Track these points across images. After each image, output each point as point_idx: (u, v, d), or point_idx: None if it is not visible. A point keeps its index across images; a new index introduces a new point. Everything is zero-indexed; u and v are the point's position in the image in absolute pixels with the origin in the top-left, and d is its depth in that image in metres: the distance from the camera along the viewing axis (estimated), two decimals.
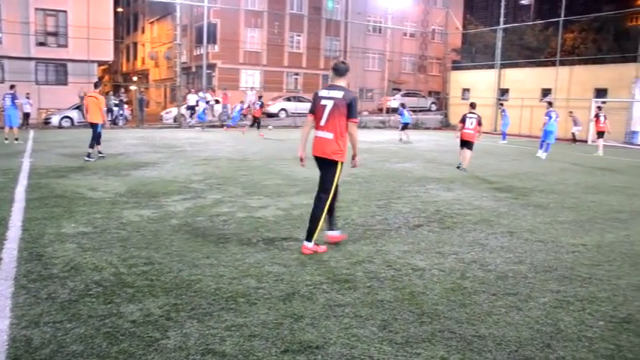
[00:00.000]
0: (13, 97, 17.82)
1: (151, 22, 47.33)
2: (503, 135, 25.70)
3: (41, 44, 29.54)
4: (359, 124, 5.42)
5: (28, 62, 28.93)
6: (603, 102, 26.00)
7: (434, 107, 39.76)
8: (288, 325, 3.63)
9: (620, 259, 5.59)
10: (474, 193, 9.60)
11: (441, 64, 43.21)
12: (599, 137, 20.54)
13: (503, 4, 34.62)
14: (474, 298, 4.28)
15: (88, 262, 4.86)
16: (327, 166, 5.38)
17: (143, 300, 3.99)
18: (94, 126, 13.00)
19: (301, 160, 5.58)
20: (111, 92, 30.49)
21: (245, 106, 27.01)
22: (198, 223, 6.55)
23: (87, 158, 12.47)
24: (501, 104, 29.46)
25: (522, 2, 44.70)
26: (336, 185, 5.45)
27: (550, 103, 18.80)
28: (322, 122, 5.31)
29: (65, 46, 29.89)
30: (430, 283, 4.60)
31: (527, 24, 38.84)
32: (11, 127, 17.42)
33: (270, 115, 31.57)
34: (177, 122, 29.22)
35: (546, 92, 30.65)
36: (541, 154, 17.17)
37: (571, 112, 26.05)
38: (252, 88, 34.93)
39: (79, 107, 26.55)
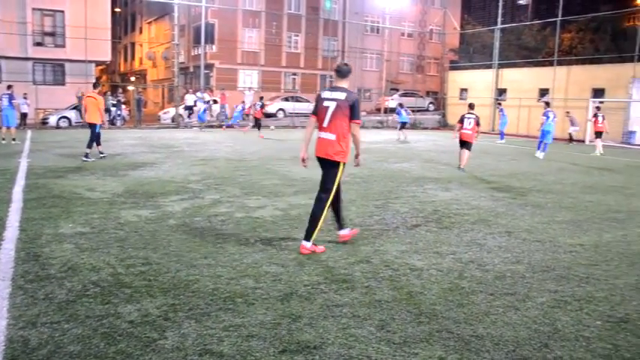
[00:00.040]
0: (11, 98, 17.78)
1: (149, 23, 47.28)
2: (502, 135, 25.75)
3: (38, 44, 29.46)
4: (360, 125, 5.45)
5: (25, 62, 28.85)
6: (601, 102, 26.06)
7: (432, 107, 39.77)
8: (286, 326, 3.63)
9: (618, 258, 5.60)
10: (472, 193, 9.60)
11: (439, 64, 43.23)
12: (596, 137, 20.59)
13: (500, 4, 34.65)
14: (471, 298, 4.29)
15: (85, 262, 4.86)
16: (329, 167, 5.41)
17: (141, 300, 3.99)
18: (92, 126, 12.99)
19: (303, 160, 5.60)
20: (108, 92, 30.41)
21: (247, 106, 26.97)
22: (196, 224, 6.55)
23: (84, 158, 12.44)
24: (499, 104, 29.51)
25: (520, 2, 44.75)
26: (338, 185, 5.47)
27: (547, 104, 18.83)
28: (325, 123, 5.35)
29: (63, 46, 29.82)
30: (428, 283, 4.61)
31: (524, 24, 38.89)
32: (8, 127, 17.38)
33: (268, 116, 31.56)
34: (175, 122, 29.19)
35: (544, 92, 30.69)
36: (539, 154, 17.19)
37: (568, 112, 26.10)
38: (250, 89, 34.92)
39: (76, 107, 26.50)
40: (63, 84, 29.70)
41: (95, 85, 14.35)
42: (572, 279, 4.85)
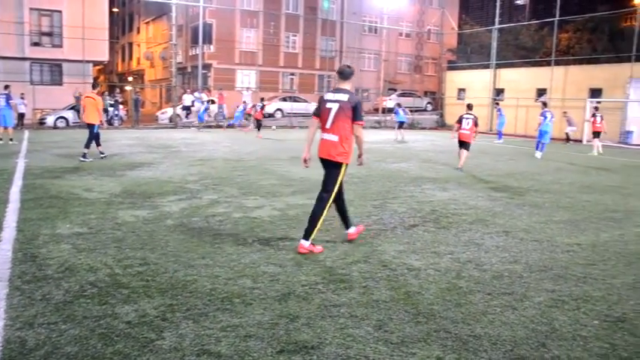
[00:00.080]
0: (8, 98, 17.76)
1: (147, 23, 47.23)
2: (500, 134, 25.81)
3: (36, 44, 29.39)
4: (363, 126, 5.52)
5: (22, 62, 28.78)
6: (598, 102, 26.10)
7: (429, 107, 39.80)
8: (283, 326, 3.63)
9: (615, 258, 5.61)
10: (470, 192, 9.61)
11: (437, 64, 43.25)
12: (594, 137, 20.63)
13: (498, 4, 34.70)
14: (469, 297, 4.29)
15: (82, 262, 4.85)
16: (331, 168, 5.47)
17: (138, 301, 3.99)
18: (90, 126, 12.98)
19: (305, 161, 5.65)
20: (106, 92, 30.41)
21: (249, 106, 26.91)
22: (193, 224, 6.54)
23: (82, 158, 12.43)
24: (497, 104, 29.53)
25: (517, 2, 44.87)
26: (340, 186, 5.53)
27: (545, 104, 18.87)
28: (328, 125, 5.40)
29: (60, 46, 29.76)
30: (426, 282, 4.61)
31: (522, 24, 38.94)
32: (6, 128, 17.34)
33: (266, 116, 31.55)
34: (173, 122, 29.16)
35: (541, 92, 30.73)
36: (538, 154, 17.25)
37: (565, 112, 26.16)
38: (247, 89, 34.89)
39: (74, 107, 26.47)
40: (60, 84, 29.63)
41: (94, 86, 14.33)
42: (569, 278, 4.86)
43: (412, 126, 32.85)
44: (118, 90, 33.34)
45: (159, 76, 44.06)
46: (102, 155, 13.11)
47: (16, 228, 6.04)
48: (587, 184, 11.32)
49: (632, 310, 4.15)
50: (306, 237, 5.39)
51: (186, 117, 29.98)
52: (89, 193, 8.46)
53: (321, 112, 5.49)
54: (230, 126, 27.45)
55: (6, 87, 18.40)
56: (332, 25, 40.03)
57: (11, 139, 16.97)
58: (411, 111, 32.76)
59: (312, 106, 34.41)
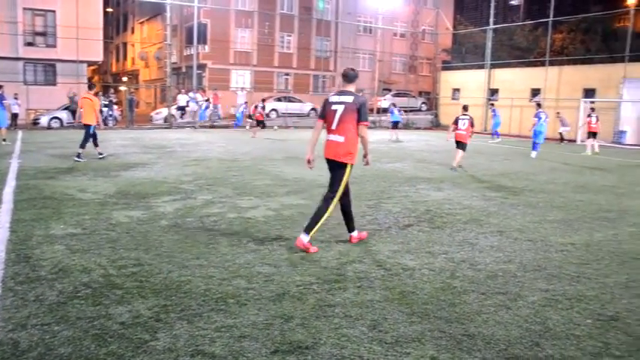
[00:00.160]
0: (1, 98, 17.66)
1: (141, 23, 47.10)
2: (497, 134, 26.05)
3: (29, 44, 29.28)
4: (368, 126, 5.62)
5: (16, 62, 28.65)
6: (592, 102, 26.22)
7: (424, 107, 39.87)
8: (278, 326, 3.63)
9: (608, 257, 5.64)
10: (464, 192, 9.64)
11: (432, 64, 43.32)
12: (589, 137, 20.75)
13: (493, 4, 34.78)
14: (463, 297, 4.30)
15: (76, 263, 4.83)
16: (337, 168, 5.56)
17: (132, 301, 3.97)
18: (87, 127, 12.98)
19: (309, 162, 5.74)
20: (100, 93, 30.28)
21: (252, 107, 26.82)
22: (188, 224, 6.53)
23: (77, 158, 12.40)
24: (492, 104, 29.61)
25: (512, 3, 44.93)
26: (346, 186, 5.61)
27: (539, 104, 18.97)
28: (333, 126, 5.52)
29: (54, 46, 29.64)
30: (420, 282, 4.62)
31: (516, 24, 39.04)
32: None
33: (250, 116, 31.53)
34: (168, 123, 29.09)
35: (536, 92, 30.84)
36: (533, 153, 17.36)
37: (558, 112, 26.28)
38: (242, 89, 34.85)
39: (68, 108, 26.35)
40: (54, 84, 29.52)
41: (91, 87, 14.35)
42: (563, 278, 4.88)
43: (407, 126, 32.89)
44: (112, 90, 33.25)
45: (153, 76, 43.98)
46: (100, 156, 13.08)
47: (10, 229, 6.01)
48: (581, 184, 11.37)
49: (625, 309, 4.17)
50: (307, 231, 5.45)
51: (181, 117, 29.92)
52: (83, 193, 8.43)
53: (326, 114, 5.60)
54: (239, 126, 27.35)
55: None
56: (327, 25, 40.04)
57: (4, 140, 16.88)
58: (405, 111, 32.81)
59: (306, 107, 34.60)
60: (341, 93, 5.62)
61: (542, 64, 31.73)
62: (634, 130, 27.21)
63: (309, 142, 5.76)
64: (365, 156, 5.74)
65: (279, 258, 5.19)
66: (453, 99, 36.42)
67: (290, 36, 39.41)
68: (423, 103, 40.34)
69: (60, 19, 29.19)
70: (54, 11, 29.36)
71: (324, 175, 10.32)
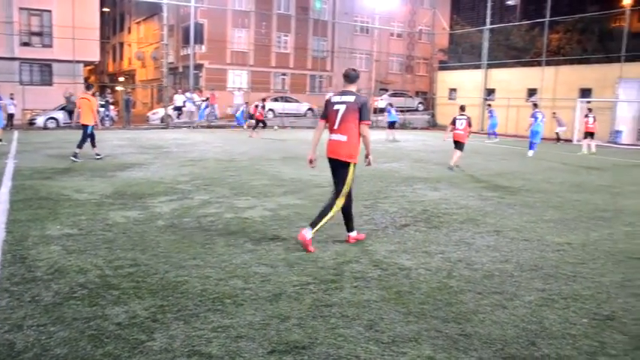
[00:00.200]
0: None
1: (138, 22, 47.00)
2: (495, 134, 26.16)
3: (25, 44, 29.18)
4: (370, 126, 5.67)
5: (11, 62, 28.56)
6: (588, 102, 26.30)
7: (421, 107, 39.87)
8: (274, 326, 3.62)
9: (604, 257, 5.66)
10: (461, 192, 9.65)
11: (428, 64, 43.34)
12: (585, 137, 20.82)
13: (489, 4, 34.84)
14: (460, 297, 4.31)
15: (72, 264, 4.82)
16: (340, 168, 5.62)
17: (129, 302, 3.97)
18: (84, 127, 12.99)
19: (311, 162, 5.83)
20: (97, 93, 30.22)
21: (253, 106, 26.80)
22: (184, 224, 6.52)
23: (73, 158, 12.40)
24: (489, 105, 29.64)
25: (508, 3, 45.01)
26: (350, 186, 5.68)
27: (535, 105, 19.03)
28: (336, 126, 5.60)
29: (50, 46, 29.54)
30: (417, 282, 4.62)
31: (513, 24, 39.07)
32: None
33: (251, 116, 31.52)
34: (165, 123, 29.05)
35: (532, 92, 30.91)
36: (530, 152, 17.44)
37: (554, 112, 26.34)
38: (239, 89, 34.82)
39: (64, 108, 26.29)
40: (50, 84, 29.44)
41: (89, 87, 14.34)
42: (559, 277, 4.89)
43: (403, 126, 32.92)
44: (108, 90, 33.16)
45: (150, 76, 43.87)
46: (97, 157, 13.06)
47: (5, 229, 5.99)
48: (578, 184, 11.40)
49: (620, 309, 4.19)
50: (312, 226, 5.52)
51: (178, 117, 29.87)
52: (79, 194, 8.41)
53: (328, 114, 5.69)
54: (238, 126, 27.32)
55: None
56: (323, 26, 40.04)
57: (0, 140, 16.83)
58: (402, 111, 32.84)
59: (303, 107, 34.57)
60: (342, 93, 5.71)
61: (539, 64, 31.80)
62: (630, 129, 27.32)
63: (311, 142, 5.83)
64: (367, 156, 5.80)
65: (275, 258, 5.18)
66: (450, 99, 36.47)
67: (287, 36, 39.39)
68: (420, 103, 40.34)
69: (56, 19, 29.10)
70: (50, 11, 29.26)
71: (321, 175, 10.36)
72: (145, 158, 13.62)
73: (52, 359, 3.09)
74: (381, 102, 35.32)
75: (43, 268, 4.67)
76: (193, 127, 28.04)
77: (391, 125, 24.49)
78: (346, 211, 5.82)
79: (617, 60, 27.55)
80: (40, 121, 25.77)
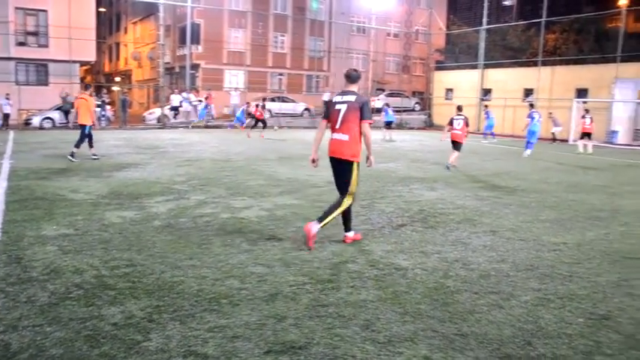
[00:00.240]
0: None
1: (134, 23, 46.92)
2: (492, 134, 26.22)
3: (21, 44, 29.09)
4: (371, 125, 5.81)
5: (7, 62, 28.45)
6: (584, 102, 26.38)
7: (418, 107, 39.91)
8: (271, 326, 3.62)
9: (600, 257, 5.67)
10: (458, 192, 9.66)
11: (425, 64, 43.39)
12: (582, 137, 20.89)
13: (486, 4, 34.90)
14: (456, 296, 4.31)
15: (68, 264, 4.81)
16: (343, 167, 5.69)
17: (125, 302, 3.96)
18: (82, 127, 13.00)
19: (314, 161, 5.94)
20: (93, 93, 30.13)
21: (254, 106, 26.78)
22: (181, 225, 6.51)
23: (71, 158, 12.42)
24: (486, 106, 29.70)
25: (505, 3, 45.07)
26: (357, 185, 5.76)
27: (532, 105, 19.08)
28: (337, 125, 5.69)
29: (46, 46, 29.46)
30: (413, 282, 4.62)
31: (509, 25, 39.15)
32: None
33: (251, 116, 31.49)
34: (161, 123, 29.00)
35: (529, 92, 30.98)
36: (526, 152, 17.48)
37: (550, 113, 26.44)
38: (236, 89, 34.79)
39: (60, 108, 26.22)
40: (46, 84, 29.35)
41: (87, 87, 14.36)
42: (555, 277, 4.90)
43: (400, 126, 32.93)
44: (105, 90, 33.09)
45: (146, 76, 43.80)
46: (94, 157, 13.03)
47: (1, 230, 5.97)
48: (574, 184, 11.43)
49: (616, 308, 4.20)
50: (320, 221, 5.61)
51: (174, 117, 29.82)
52: (75, 194, 8.39)
53: (330, 114, 5.77)
54: (241, 126, 27.31)
55: None
56: (320, 26, 40.04)
57: None
58: (398, 111, 32.85)
59: (300, 107, 34.56)
60: (344, 93, 5.80)
61: (535, 64, 31.87)
62: (626, 130, 27.42)
63: (313, 141, 5.93)
64: (368, 157, 5.84)
65: (272, 258, 5.18)
66: (447, 99, 36.53)
67: (283, 36, 39.38)
68: (417, 103, 40.38)
69: (52, 19, 29.02)
70: (46, 11, 29.18)
71: (317, 175, 10.36)
72: (141, 158, 13.60)
73: None
74: (378, 102, 35.32)
75: (38, 269, 4.65)
76: (192, 127, 28.01)
77: (388, 125, 24.52)
78: (345, 210, 5.85)
79: (613, 60, 27.63)
80: (35, 121, 25.69)
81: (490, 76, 34.38)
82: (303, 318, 3.77)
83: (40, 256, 5.01)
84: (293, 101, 34.94)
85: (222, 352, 3.23)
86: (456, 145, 13.17)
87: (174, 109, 29.93)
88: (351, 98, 5.66)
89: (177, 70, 38.84)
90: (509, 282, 4.72)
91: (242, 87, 35.17)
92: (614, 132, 27.11)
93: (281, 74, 39.79)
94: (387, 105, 28.06)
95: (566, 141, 25.84)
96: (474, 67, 35.42)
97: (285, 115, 32.52)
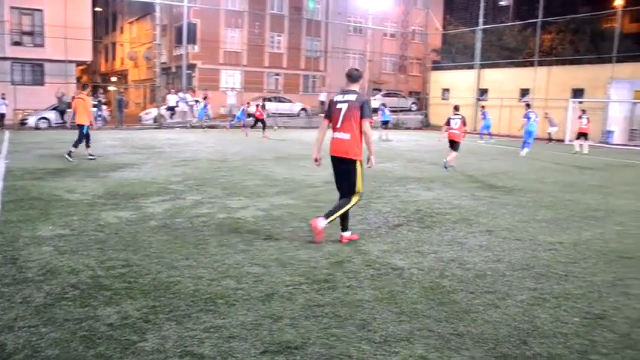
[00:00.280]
0: None
1: (130, 22, 46.83)
2: (489, 134, 26.29)
3: (17, 44, 29.00)
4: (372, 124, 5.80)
5: (3, 62, 28.35)
6: (580, 102, 26.45)
7: (414, 107, 39.94)
8: (267, 326, 3.62)
9: (596, 256, 5.69)
10: (454, 192, 9.68)
11: (421, 64, 43.41)
12: (578, 137, 20.95)
13: (482, 5, 34.96)
14: (452, 296, 4.32)
15: (64, 264, 4.79)
16: (347, 166, 5.75)
17: (121, 302, 3.95)
18: (80, 127, 12.98)
19: (316, 160, 6.02)
20: (90, 93, 30.05)
21: (255, 106, 26.77)
22: (177, 225, 6.50)
23: (68, 157, 12.47)
24: (482, 107, 29.76)
25: (501, 3, 45.20)
26: (353, 184, 5.80)
27: (528, 105, 19.12)
28: (339, 124, 5.76)
29: (42, 45, 29.36)
30: (409, 282, 4.63)
31: (506, 25, 39.23)
32: None
33: (250, 115, 31.49)
34: (157, 123, 28.95)
35: (525, 92, 31.05)
36: (523, 152, 17.52)
37: (547, 113, 26.49)
38: (232, 89, 34.76)
39: (56, 108, 26.16)
40: (42, 84, 29.26)
41: (84, 87, 14.35)
42: (551, 277, 4.91)
43: (397, 126, 32.97)
44: (101, 90, 33.01)
45: (143, 76, 43.71)
46: (90, 157, 13.00)
47: None
48: (570, 184, 11.46)
49: (611, 307, 4.21)
50: (326, 217, 5.70)
51: (171, 117, 29.78)
52: (71, 194, 8.37)
53: (331, 114, 5.82)
54: (232, 127, 27.31)
55: None
56: (317, 26, 40.03)
57: None
58: (395, 111, 32.88)
59: (296, 107, 34.55)
60: (345, 92, 5.86)
61: (532, 64, 31.96)
62: (621, 130, 27.51)
63: (315, 141, 5.97)
64: (368, 158, 5.88)
65: (268, 258, 5.18)
66: (443, 99, 36.58)
67: (280, 36, 39.35)
68: (413, 103, 40.41)
69: (48, 19, 28.93)
70: (41, 10, 29.09)
71: (313, 175, 10.37)
72: (137, 158, 13.57)
73: None
74: (375, 102, 35.33)
75: (34, 269, 4.64)
76: (190, 126, 28.03)
77: (384, 124, 24.60)
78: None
79: (609, 60, 27.74)
80: (31, 121, 25.62)
81: (486, 76, 34.45)
82: (299, 318, 3.77)
83: (36, 257, 4.99)
84: (290, 101, 34.93)
85: (218, 353, 3.22)
86: (454, 144, 13.20)
87: (171, 109, 29.89)
88: (352, 97, 5.71)
89: (173, 70, 38.78)
90: (505, 281, 4.73)
91: (238, 87, 35.13)
92: (610, 132, 27.19)
93: (277, 74, 39.76)
94: (384, 105, 28.08)
95: (563, 141, 25.91)
96: (471, 67, 35.49)
97: (281, 115, 32.50)
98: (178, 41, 35.69)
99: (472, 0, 40.92)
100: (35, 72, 29.80)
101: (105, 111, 28.87)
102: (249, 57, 36.88)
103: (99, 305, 3.89)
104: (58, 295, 4.05)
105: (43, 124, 25.64)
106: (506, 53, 37.88)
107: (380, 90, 39.60)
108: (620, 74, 26.80)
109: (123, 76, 48.84)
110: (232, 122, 27.27)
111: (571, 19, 34.45)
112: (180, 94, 30.41)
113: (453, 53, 40.61)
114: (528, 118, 17.66)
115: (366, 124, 5.65)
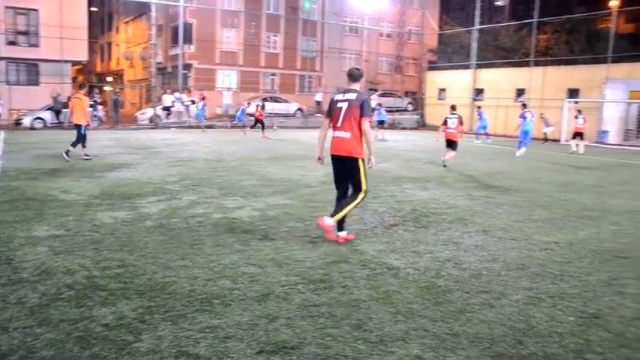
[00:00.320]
0: None
1: (126, 22, 46.72)
2: (486, 134, 26.37)
3: (12, 43, 28.89)
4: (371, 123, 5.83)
5: None
6: (576, 102, 26.54)
7: (410, 107, 40.00)
8: (263, 326, 3.62)
9: (591, 256, 5.70)
10: (450, 192, 9.69)
11: (418, 64, 43.49)
12: (574, 137, 21.01)
13: (478, 5, 35.02)
14: (448, 296, 4.33)
15: (59, 265, 4.78)
16: (349, 165, 5.78)
17: (116, 303, 3.94)
18: (78, 127, 12.95)
19: (319, 159, 6.03)
20: (87, 92, 29.96)
21: (255, 106, 26.76)
22: (172, 225, 6.49)
23: (65, 156, 12.46)
24: (479, 107, 29.81)
25: (497, 3, 45.26)
26: (355, 183, 5.84)
27: (524, 105, 19.18)
28: (339, 123, 5.79)
29: (37, 45, 29.27)
30: (405, 282, 4.63)
31: (501, 25, 39.31)
32: None
33: (250, 115, 31.47)
34: (153, 123, 28.90)
35: (521, 92, 31.12)
36: (519, 152, 17.56)
37: (542, 113, 26.58)
38: (228, 89, 34.72)
39: (51, 108, 26.07)
40: (37, 84, 29.16)
41: (81, 87, 14.33)
42: (546, 276, 4.93)
43: (393, 126, 32.99)
44: (97, 90, 32.91)
45: (138, 76, 43.62)
46: (86, 157, 12.97)
47: None
48: (566, 183, 11.49)
49: (606, 307, 4.22)
50: (332, 215, 5.73)
51: (167, 117, 29.73)
52: (67, 194, 8.34)
53: (332, 113, 5.87)
54: (233, 127, 27.31)
55: None
56: (313, 26, 40.03)
57: None
58: (391, 111, 32.91)
59: (292, 107, 34.53)
60: (345, 91, 5.92)
61: (527, 64, 32.02)
62: (616, 130, 27.62)
63: (317, 140, 6.03)
64: (369, 158, 5.88)
65: (264, 258, 5.18)
66: (439, 99, 36.63)
67: (276, 36, 39.35)
68: (409, 103, 40.47)
69: (43, 18, 28.83)
70: (37, 10, 28.98)
71: (310, 175, 10.36)
72: (133, 158, 13.54)
73: None
74: (371, 102, 35.34)
75: (29, 270, 4.62)
76: (190, 126, 28.11)
77: (380, 124, 24.64)
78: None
79: (604, 61, 27.82)
80: (26, 121, 25.52)
81: (482, 76, 34.52)
82: (295, 318, 3.77)
83: (31, 257, 4.98)
84: (286, 101, 34.92)
85: (213, 353, 3.22)
86: (452, 144, 13.25)
87: (167, 109, 29.84)
88: (352, 96, 5.75)
89: (169, 70, 38.70)
90: (500, 281, 4.74)
91: (234, 87, 35.10)
92: (605, 132, 27.30)
93: (273, 74, 39.75)
94: (380, 105, 28.11)
95: (558, 141, 25.98)
96: (467, 67, 35.55)
97: (277, 115, 32.49)
98: (174, 41, 35.63)
99: (468, 0, 40.93)
100: (30, 72, 29.70)
101: (101, 111, 28.77)
102: (245, 57, 36.87)
103: (94, 306, 3.88)
104: (54, 296, 4.04)
105: (38, 124, 25.54)
106: (502, 53, 37.96)
107: (376, 90, 39.64)
108: (616, 74, 26.91)
109: (119, 76, 48.72)
110: (233, 122, 27.28)
111: (566, 20, 34.54)
112: (176, 94, 30.36)
113: (449, 53, 40.67)
114: (524, 118, 17.68)
115: (365, 122, 5.68)
